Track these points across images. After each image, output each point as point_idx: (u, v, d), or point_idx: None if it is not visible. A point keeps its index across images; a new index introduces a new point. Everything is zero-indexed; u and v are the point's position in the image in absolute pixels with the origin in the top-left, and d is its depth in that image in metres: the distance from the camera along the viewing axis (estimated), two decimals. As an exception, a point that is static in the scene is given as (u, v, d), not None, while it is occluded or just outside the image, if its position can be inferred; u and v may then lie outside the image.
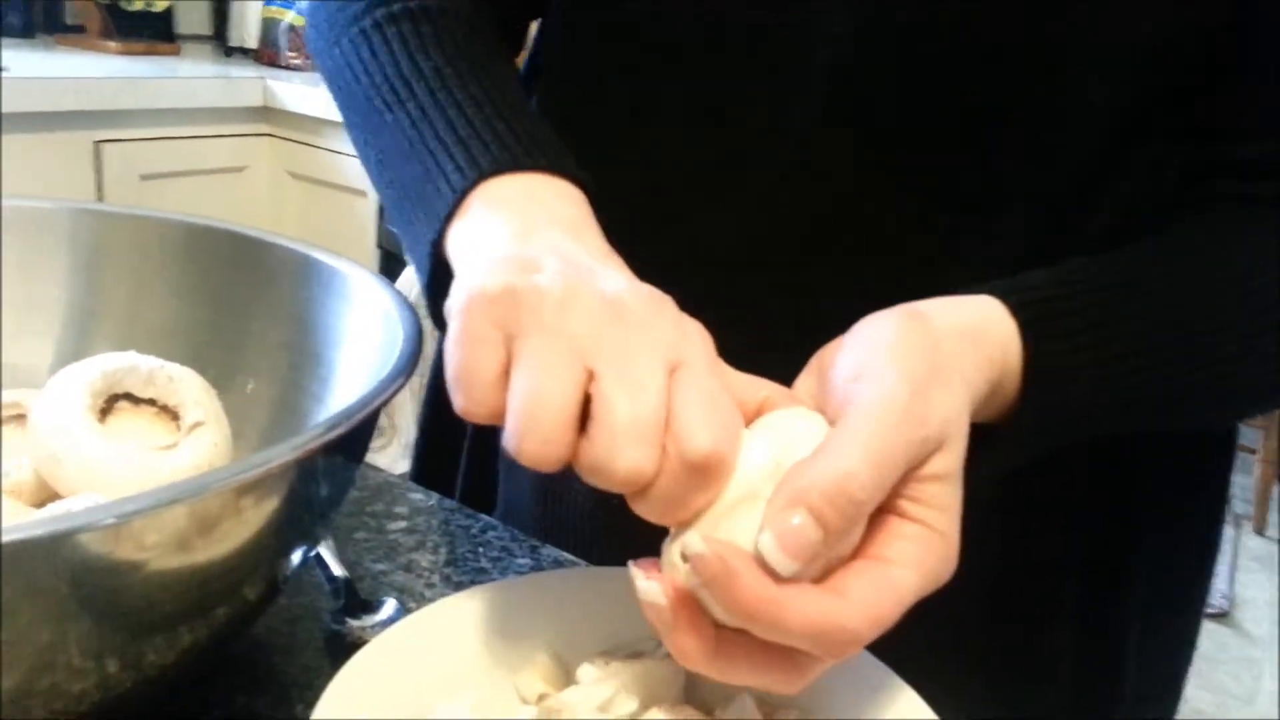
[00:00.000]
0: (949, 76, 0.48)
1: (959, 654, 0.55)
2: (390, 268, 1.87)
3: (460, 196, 0.43)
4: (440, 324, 0.41)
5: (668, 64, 0.53)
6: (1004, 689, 0.57)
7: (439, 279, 0.43)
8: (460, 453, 0.69)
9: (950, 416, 0.36)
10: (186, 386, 0.47)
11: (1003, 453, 0.43)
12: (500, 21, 0.56)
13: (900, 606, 0.33)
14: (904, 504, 0.35)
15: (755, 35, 0.50)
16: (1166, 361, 0.45)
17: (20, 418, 0.47)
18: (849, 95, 0.49)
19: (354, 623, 0.47)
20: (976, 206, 0.50)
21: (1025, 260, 0.47)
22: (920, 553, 0.34)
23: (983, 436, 0.41)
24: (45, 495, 0.45)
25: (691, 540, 0.32)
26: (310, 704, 0.35)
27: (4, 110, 1.69)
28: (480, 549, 0.56)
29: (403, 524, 0.57)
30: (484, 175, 0.43)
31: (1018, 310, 0.41)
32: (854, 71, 0.49)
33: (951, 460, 0.36)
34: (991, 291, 0.42)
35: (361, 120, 0.51)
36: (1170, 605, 0.60)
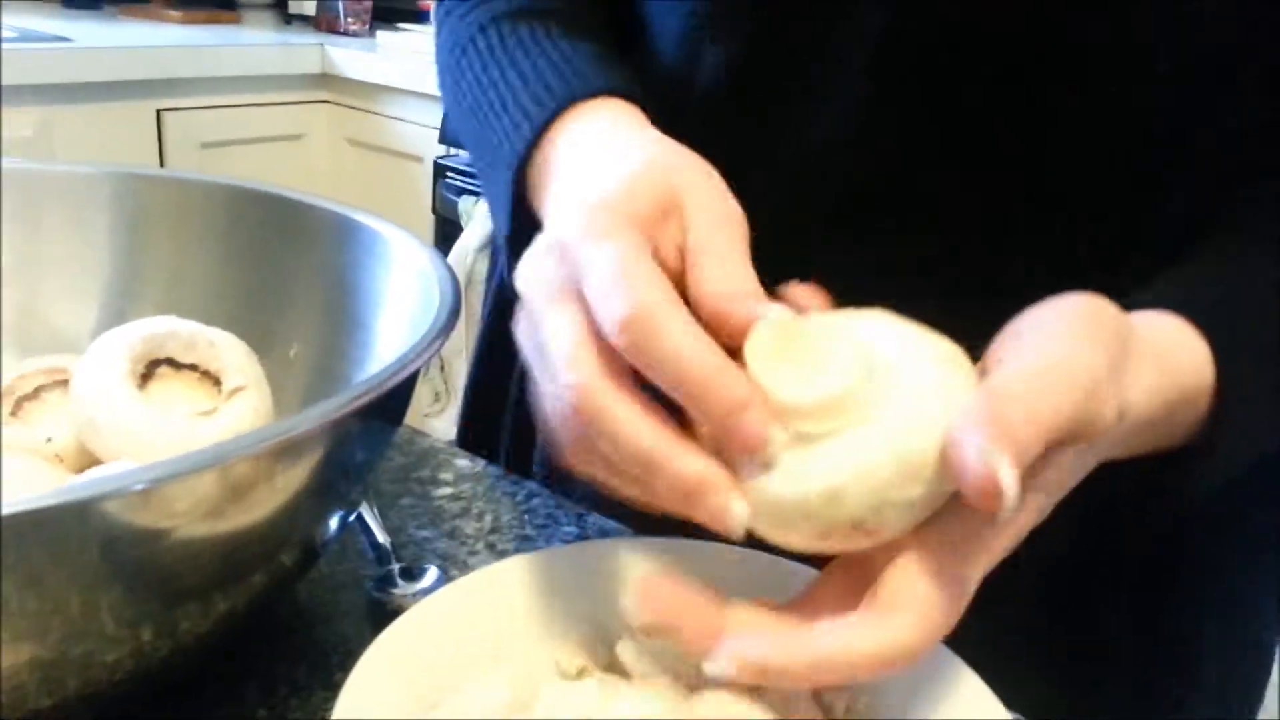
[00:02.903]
0: (997, 40, 0.45)
1: (1018, 643, 0.52)
2: (446, 233, 1.86)
3: (528, 145, 0.44)
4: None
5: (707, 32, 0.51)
6: (1066, 681, 0.55)
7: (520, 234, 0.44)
8: (505, 418, 0.68)
9: (1126, 400, 0.32)
10: (227, 351, 0.47)
11: (1197, 475, 0.39)
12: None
13: (962, 610, 0.31)
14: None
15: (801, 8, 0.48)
16: None
17: (63, 383, 0.47)
18: (894, 63, 0.47)
19: (395, 590, 0.46)
20: (1024, 179, 0.47)
21: (1078, 237, 0.44)
22: (997, 544, 0.32)
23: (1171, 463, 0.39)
24: (86, 461, 0.45)
25: (713, 668, 0.31)
26: (350, 671, 0.34)
27: (70, 81, 1.72)
28: (526, 516, 0.55)
29: (448, 490, 0.57)
30: (548, 118, 0.44)
31: (1212, 336, 0.38)
32: (900, 38, 0.46)
33: (1086, 452, 0.33)
34: (1172, 308, 0.38)
35: (463, 127, 0.53)
36: (1245, 606, 0.58)
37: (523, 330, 0.36)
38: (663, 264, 0.34)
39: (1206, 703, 0.57)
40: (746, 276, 0.34)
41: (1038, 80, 0.45)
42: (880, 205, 0.49)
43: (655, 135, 0.41)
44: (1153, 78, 0.45)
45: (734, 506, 0.31)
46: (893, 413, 0.31)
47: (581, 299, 0.33)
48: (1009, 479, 0.27)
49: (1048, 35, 0.44)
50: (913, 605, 0.30)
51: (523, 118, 0.46)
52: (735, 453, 0.31)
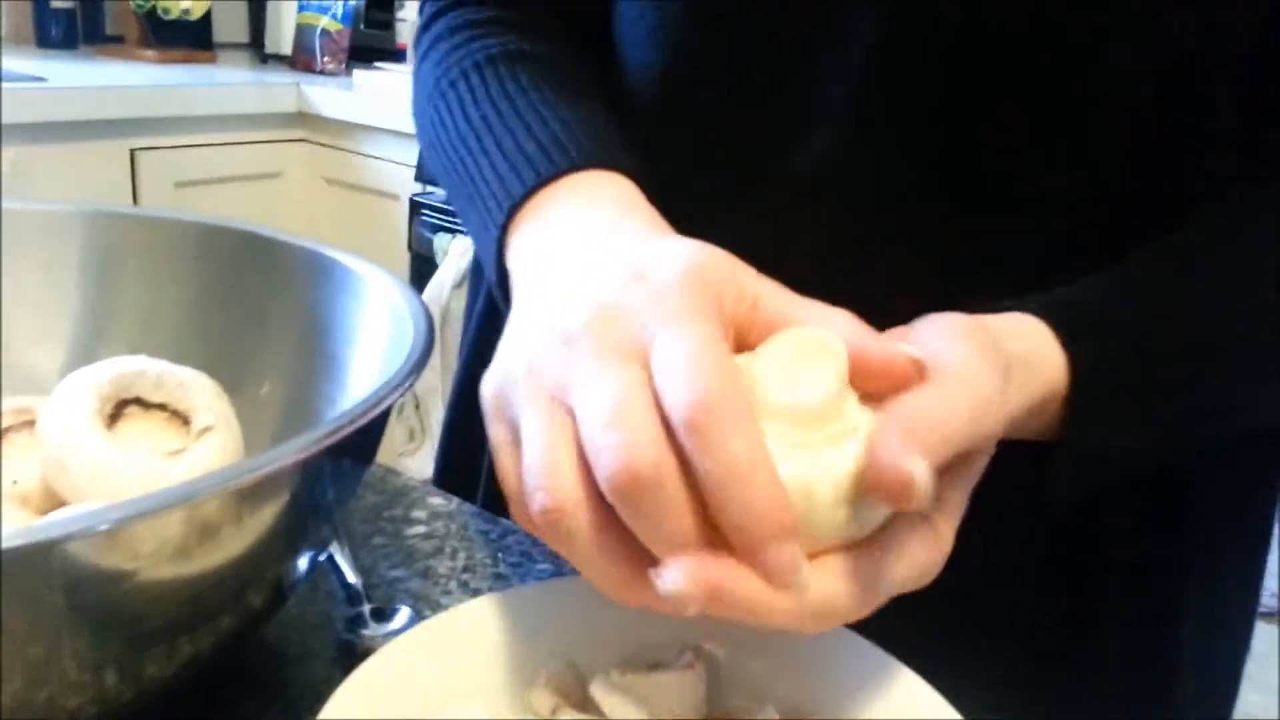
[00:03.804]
0: (982, 64, 0.46)
1: (999, 645, 0.53)
2: (422, 271, 1.86)
3: (508, 216, 0.44)
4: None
5: (693, 66, 0.51)
6: (1048, 683, 0.55)
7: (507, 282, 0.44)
8: (483, 456, 0.68)
9: (1003, 421, 0.34)
10: (197, 390, 0.46)
11: (1071, 463, 0.42)
12: (585, 39, 0.56)
13: (881, 597, 0.32)
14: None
15: (784, 27, 0.48)
16: (1215, 376, 0.44)
17: (30, 424, 0.46)
18: (883, 75, 0.47)
19: (366, 632, 0.46)
20: (1012, 204, 0.48)
21: (1065, 258, 0.44)
22: (917, 549, 0.32)
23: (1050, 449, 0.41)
24: (53, 503, 0.44)
25: (667, 578, 0.30)
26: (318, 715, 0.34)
27: (45, 120, 1.71)
28: (500, 554, 0.54)
29: (421, 529, 0.56)
30: (528, 193, 0.43)
31: (1068, 344, 0.40)
32: (885, 61, 0.47)
33: (979, 469, 0.34)
34: (1037, 313, 0.41)
35: (441, 168, 0.53)
36: (1225, 601, 0.58)
37: (494, 407, 0.36)
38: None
39: (1184, 705, 0.57)
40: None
41: (1029, 89, 0.46)
42: (870, 221, 0.49)
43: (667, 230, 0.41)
44: (1130, 103, 0.46)
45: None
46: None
47: (569, 407, 0.32)
48: (920, 470, 0.30)
49: (1038, 45, 0.45)
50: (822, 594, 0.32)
51: (525, 165, 0.45)
52: (760, 574, 0.31)
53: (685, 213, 0.43)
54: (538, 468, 0.31)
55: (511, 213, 0.44)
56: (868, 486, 0.31)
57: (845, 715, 0.38)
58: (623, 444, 0.29)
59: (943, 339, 0.34)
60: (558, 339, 0.34)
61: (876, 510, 0.32)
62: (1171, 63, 0.45)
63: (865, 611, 0.32)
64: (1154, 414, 0.43)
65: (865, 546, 0.32)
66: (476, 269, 0.72)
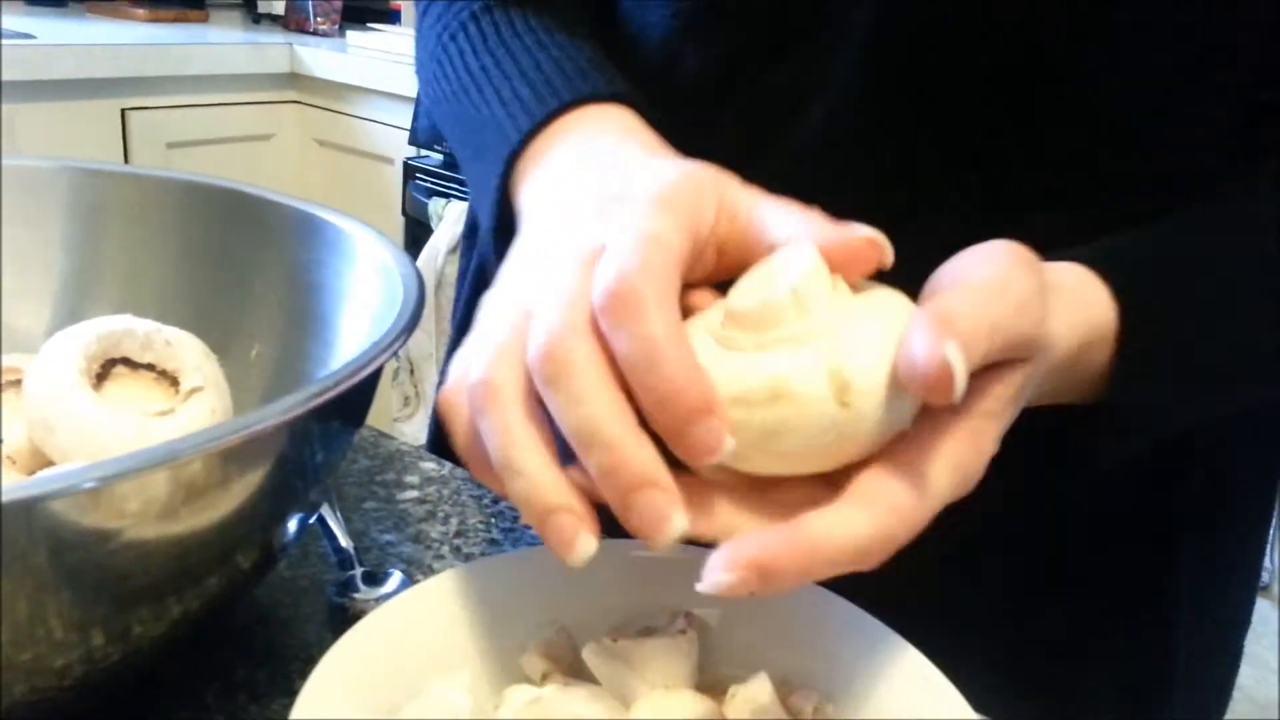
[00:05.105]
0: (983, 37, 0.45)
1: (996, 633, 0.52)
2: (416, 235, 1.85)
3: (513, 154, 0.43)
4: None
5: (694, 34, 0.50)
6: (1043, 675, 0.55)
7: (506, 230, 0.43)
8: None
9: (1050, 330, 0.33)
10: (185, 350, 0.46)
11: (1110, 429, 0.40)
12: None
13: (930, 512, 0.31)
14: (965, 406, 0.32)
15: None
16: (1259, 327, 0.43)
17: (16, 383, 0.46)
18: (883, 60, 0.46)
19: (358, 595, 0.45)
20: (1011, 181, 0.47)
21: (1068, 236, 0.44)
22: (966, 461, 0.31)
23: (1088, 415, 0.39)
24: (39, 463, 0.43)
25: (712, 579, 0.29)
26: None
27: (33, 78, 1.69)
28: (492, 520, 0.54)
29: (413, 494, 0.56)
30: (536, 125, 0.43)
31: (1114, 281, 0.39)
32: (889, 34, 0.46)
33: (1024, 381, 0.33)
34: (1078, 259, 0.40)
35: (445, 120, 0.52)
36: (1222, 576, 0.58)
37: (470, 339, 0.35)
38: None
39: (1180, 705, 0.57)
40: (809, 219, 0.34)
41: (1029, 74, 0.45)
42: (873, 205, 0.49)
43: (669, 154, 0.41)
44: (1141, 73, 0.45)
45: (675, 518, 0.30)
46: (834, 335, 0.31)
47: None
48: (956, 359, 0.28)
49: (1038, 29, 0.44)
50: (880, 498, 0.30)
51: (520, 110, 0.44)
52: (682, 455, 0.30)
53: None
54: (486, 354, 0.32)
55: (511, 159, 0.43)
56: (900, 379, 0.30)
57: (838, 683, 0.38)
58: (545, 330, 0.30)
59: (978, 257, 0.34)
60: (531, 260, 0.35)
61: (900, 406, 0.31)
62: (1183, 47, 0.44)
63: (920, 520, 0.31)
64: (1202, 362, 0.42)
65: (898, 449, 0.31)
66: (470, 232, 0.72)
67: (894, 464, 0.31)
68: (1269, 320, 0.43)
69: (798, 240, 0.33)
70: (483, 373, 0.32)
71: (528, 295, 0.34)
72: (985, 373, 0.32)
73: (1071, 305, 0.37)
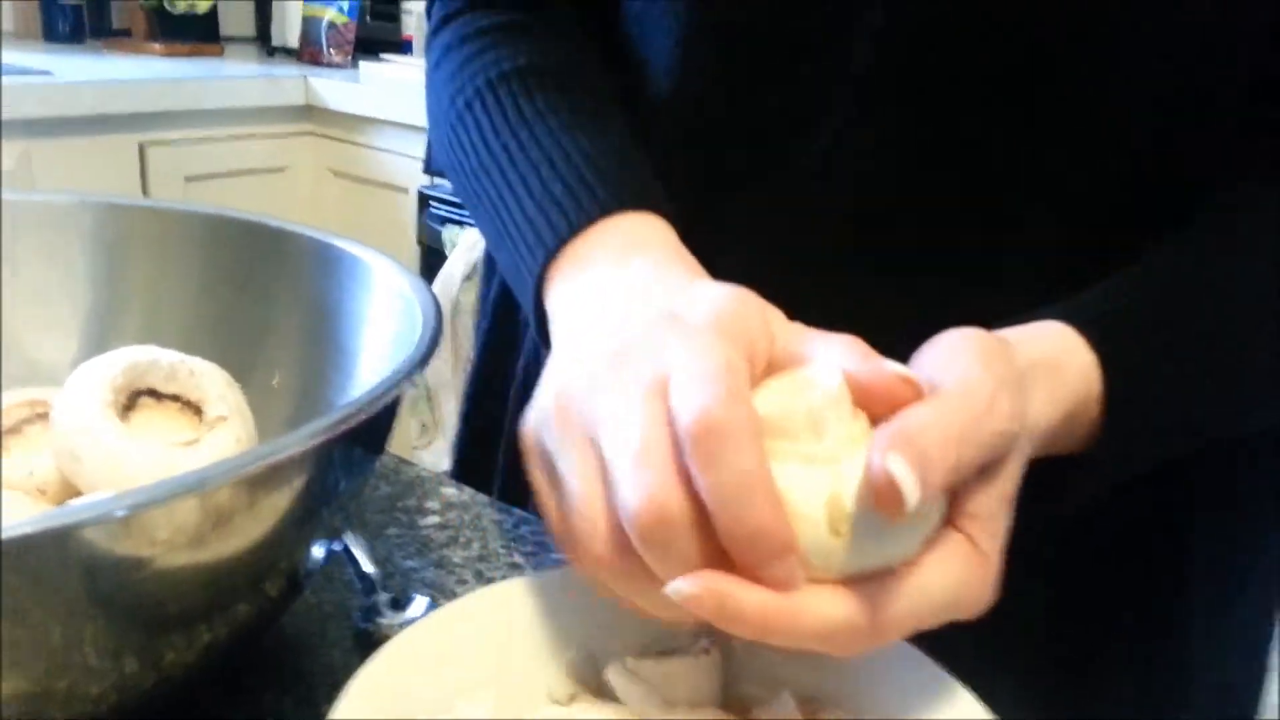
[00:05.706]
0: (991, 51, 0.45)
1: (1013, 649, 0.52)
2: (431, 263, 1.86)
3: (544, 266, 0.44)
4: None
5: (702, 54, 0.51)
6: (1062, 686, 0.55)
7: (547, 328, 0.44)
8: (499, 447, 0.68)
9: (1026, 425, 0.34)
10: (209, 381, 0.47)
11: (1090, 479, 0.41)
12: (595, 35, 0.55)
13: (905, 621, 0.31)
14: (956, 515, 0.33)
15: (794, 15, 0.48)
16: (1240, 368, 0.43)
17: (44, 415, 0.46)
18: (889, 73, 0.47)
19: (383, 620, 0.46)
20: (1022, 191, 0.47)
21: (1077, 247, 0.44)
22: (962, 572, 0.32)
23: (1069, 465, 0.40)
24: (69, 494, 0.44)
25: (677, 585, 0.30)
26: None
27: (52, 115, 1.72)
28: (514, 544, 0.54)
29: (435, 519, 0.56)
30: (562, 242, 0.43)
31: (1098, 345, 0.39)
32: (894, 48, 0.46)
33: (1011, 477, 0.34)
34: (1063, 318, 0.40)
35: (466, 196, 0.52)
36: (1237, 598, 0.57)
37: (531, 446, 0.37)
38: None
39: (1203, 705, 0.57)
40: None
41: (1037, 76, 0.45)
42: (880, 216, 0.49)
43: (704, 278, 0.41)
44: (1144, 85, 0.45)
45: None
46: (842, 463, 0.32)
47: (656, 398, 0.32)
48: (900, 469, 0.29)
49: (1040, 38, 0.45)
50: (864, 596, 0.31)
51: (554, 208, 0.44)
52: (755, 580, 0.31)
53: (693, 201, 0.43)
54: (578, 512, 0.33)
55: (546, 260, 0.44)
56: (865, 499, 0.30)
57: (861, 703, 0.38)
58: (640, 485, 0.30)
59: (943, 356, 0.34)
60: (585, 375, 0.34)
61: (896, 540, 0.32)
62: (1184, 50, 0.45)
63: (881, 638, 0.31)
64: (1191, 408, 0.42)
65: (889, 572, 0.32)
66: (489, 259, 0.72)
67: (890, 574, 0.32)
68: (1261, 355, 0.44)
69: (829, 363, 0.33)
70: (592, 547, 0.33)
71: (589, 413, 0.34)
72: (970, 481, 0.32)
73: (1052, 381, 0.37)
